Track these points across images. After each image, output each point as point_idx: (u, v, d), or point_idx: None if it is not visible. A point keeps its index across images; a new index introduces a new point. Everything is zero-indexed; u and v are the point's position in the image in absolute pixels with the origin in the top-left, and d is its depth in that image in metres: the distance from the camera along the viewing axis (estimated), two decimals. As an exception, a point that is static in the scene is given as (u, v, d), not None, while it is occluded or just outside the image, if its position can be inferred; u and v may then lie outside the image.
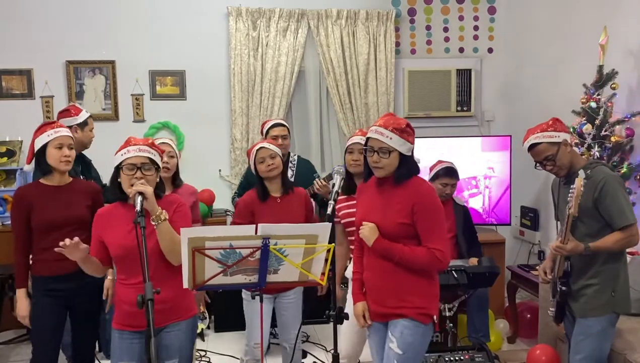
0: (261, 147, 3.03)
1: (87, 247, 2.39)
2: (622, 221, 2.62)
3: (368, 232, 2.43)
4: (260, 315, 2.95)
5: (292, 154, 4.17)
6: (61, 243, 2.30)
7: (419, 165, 2.53)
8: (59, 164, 2.86)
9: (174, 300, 2.46)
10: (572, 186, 2.51)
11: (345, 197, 3.07)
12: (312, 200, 3.38)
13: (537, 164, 2.80)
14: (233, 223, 3.14)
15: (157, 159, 2.49)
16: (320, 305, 3.14)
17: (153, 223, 2.35)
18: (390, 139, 2.37)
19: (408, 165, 2.43)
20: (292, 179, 4.02)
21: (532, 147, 2.76)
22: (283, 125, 3.96)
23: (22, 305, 2.89)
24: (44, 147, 2.85)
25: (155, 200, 2.36)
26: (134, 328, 2.46)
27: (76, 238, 2.31)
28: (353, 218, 2.97)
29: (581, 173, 2.55)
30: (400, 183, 2.42)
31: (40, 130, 2.91)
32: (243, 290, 3.14)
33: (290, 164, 4.08)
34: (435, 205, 2.40)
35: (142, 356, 2.54)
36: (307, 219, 3.15)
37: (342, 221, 3.07)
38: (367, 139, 2.44)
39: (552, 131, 2.71)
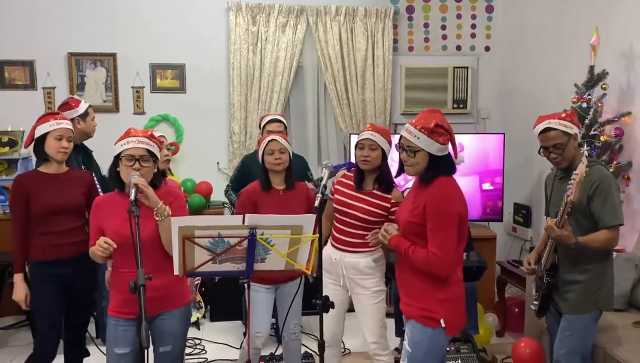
0: (273, 139, 3.07)
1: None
2: (612, 220, 2.66)
3: (386, 235, 2.52)
4: (261, 307, 3.06)
5: None
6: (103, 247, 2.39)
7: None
8: (56, 154, 2.97)
9: (168, 287, 2.54)
10: (574, 172, 2.50)
11: (350, 184, 3.06)
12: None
13: (542, 150, 2.80)
14: (236, 213, 3.15)
15: (156, 150, 2.55)
16: (311, 296, 3.23)
17: (157, 218, 2.44)
18: (418, 138, 2.34)
19: (438, 166, 2.39)
20: None
21: (544, 131, 2.75)
22: (280, 121, 3.95)
23: (20, 288, 2.99)
24: (44, 136, 2.96)
25: (155, 196, 2.45)
26: (130, 316, 2.51)
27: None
28: (341, 208, 3.03)
29: (584, 159, 2.56)
30: (427, 184, 2.40)
31: (43, 118, 3.01)
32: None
33: None
34: (444, 209, 2.33)
35: (137, 342, 2.62)
36: (309, 213, 3.10)
37: (335, 205, 3.09)
38: (400, 136, 2.44)
39: (568, 121, 2.73)
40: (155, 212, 2.45)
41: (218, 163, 5.47)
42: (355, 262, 3.01)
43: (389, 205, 2.95)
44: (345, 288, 3.10)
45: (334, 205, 3.09)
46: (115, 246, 2.40)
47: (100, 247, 2.40)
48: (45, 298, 2.99)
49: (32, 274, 3.02)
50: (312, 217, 2.17)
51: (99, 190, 3.67)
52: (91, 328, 3.82)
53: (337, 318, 3.12)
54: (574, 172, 2.50)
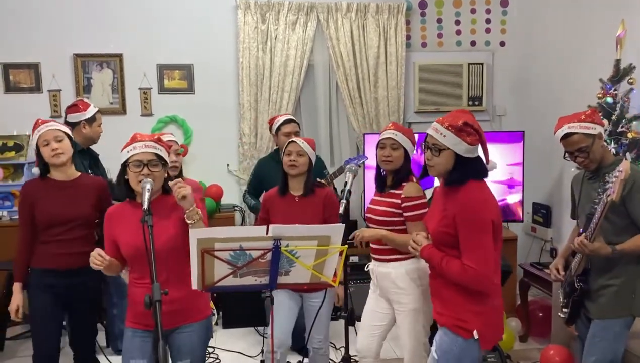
0: (293, 141, 3.04)
1: (114, 260, 2.44)
2: None
3: (416, 246, 2.39)
4: (282, 311, 2.96)
5: None
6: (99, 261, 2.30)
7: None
8: (51, 158, 2.86)
9: (187, 301, 2.42)
10: (618, 169, 2.37)
11: (377, 192, 2.94)
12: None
13: (567, 154, 2.70)
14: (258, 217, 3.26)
15: (164, 154, 2.44)
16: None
17: (189, 221, 2.32)
18: (444, 136, 2.20)
19: (464, 168, 2.24)
20: None
21: (566, 136, 2.65)
22: (295, 121, 3.96)
23: (14, 299, 2.90)
24: (37, 147, 2.89)
25: (192, 196, 2.33)
26: (148, 327, 2.41)
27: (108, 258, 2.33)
28: (372, 216, 2.87)
29: (628, 155, 2.46)
30: (452, 187, 2.26)
31: (33, 129, 2.92)
32: None
33: None
34: (477, 219, 2.19)
35: (153, 355, 2.51)
36: (326, 221, 2.95)
37: (366, 215, 2.95)
38: (426, 134, 2.31)
39: (589, 122, 2.61)
40: (186, 215, 2.32)
41: (228, 165, 5.35)
42: (385, 272, 2.80)
43: (399, 201, 2.75)
44: (386, 299, 2.86)
45: (366, 215, 2.96)
46: (107, 260, 2.30)
47: (94, 259, 2.29)
48: (40, 306, 2.90)
49: (31, 283, 2.93)
50: (340, 227, 2.03)
51: None
52: (101, 338, 3.71)
53: (371, 330, 2.86)
54: (617, 169, 2.37)
